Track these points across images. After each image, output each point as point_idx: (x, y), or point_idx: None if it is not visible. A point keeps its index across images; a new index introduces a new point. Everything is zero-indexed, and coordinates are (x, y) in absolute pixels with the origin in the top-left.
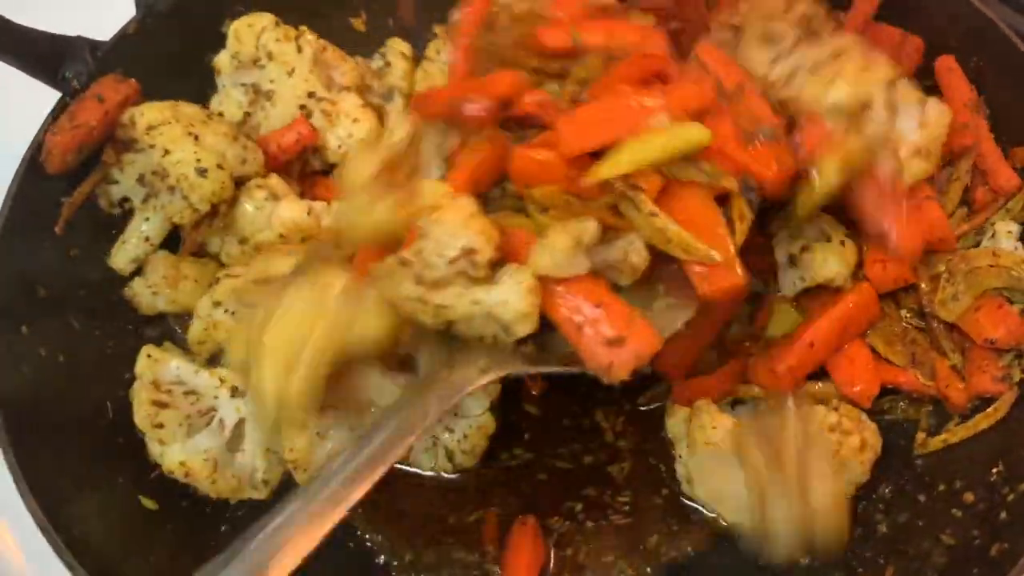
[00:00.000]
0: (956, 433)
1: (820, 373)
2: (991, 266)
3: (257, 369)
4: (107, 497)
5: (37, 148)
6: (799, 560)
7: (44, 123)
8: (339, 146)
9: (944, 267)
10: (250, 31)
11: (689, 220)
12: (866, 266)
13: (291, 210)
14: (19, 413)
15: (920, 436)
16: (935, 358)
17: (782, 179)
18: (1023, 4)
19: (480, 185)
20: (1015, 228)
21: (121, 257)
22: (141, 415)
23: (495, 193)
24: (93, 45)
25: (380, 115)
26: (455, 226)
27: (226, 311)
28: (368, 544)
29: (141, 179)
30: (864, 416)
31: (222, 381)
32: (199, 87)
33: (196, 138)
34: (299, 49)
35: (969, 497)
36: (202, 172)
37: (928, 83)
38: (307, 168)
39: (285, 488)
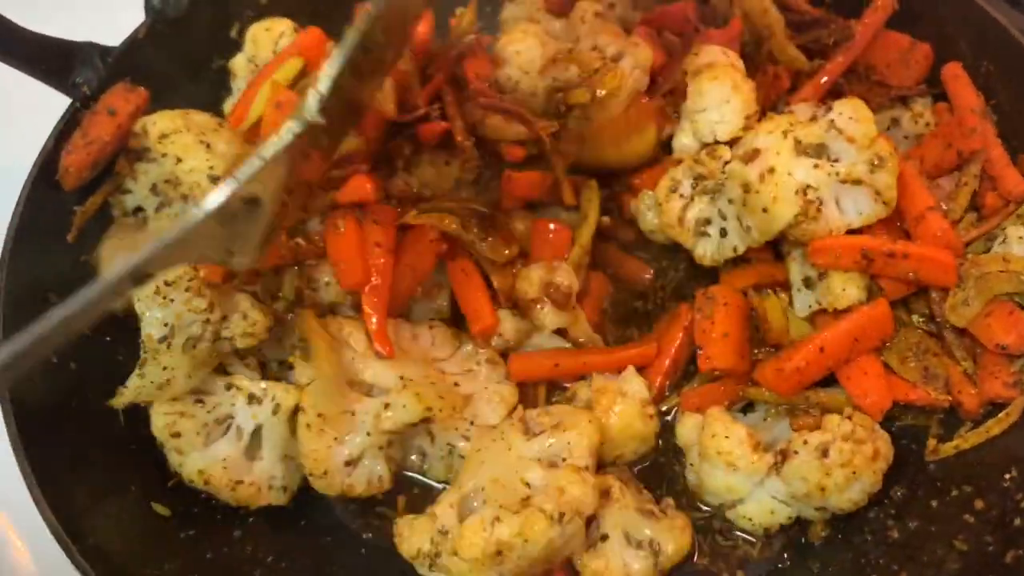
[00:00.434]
0: (968, 439)
1: (833, 383)
2: (1001, 271)
3: None
4: (120, 505)
5: (48, 155)
6: (810, 568)
7: (55, 129)
8: None
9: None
10: (267, 35)
11: None
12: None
13: None
14: (31, 421)
15: (931, 443)
16: (949, 366)
17: None
18: None
19: None
20: None
21: None
22: (159, 425)
23: None
24: (103, 51)
25: None
26: None
27: None
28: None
29: (154, 188)
30: (877, 426)
31: (238, 388)
32: (209, 91)
33: (208, 146)
34: None
35: (981, 503)
36: (215, 180)
37: (936, 90)
38: None
39: (304, 493)
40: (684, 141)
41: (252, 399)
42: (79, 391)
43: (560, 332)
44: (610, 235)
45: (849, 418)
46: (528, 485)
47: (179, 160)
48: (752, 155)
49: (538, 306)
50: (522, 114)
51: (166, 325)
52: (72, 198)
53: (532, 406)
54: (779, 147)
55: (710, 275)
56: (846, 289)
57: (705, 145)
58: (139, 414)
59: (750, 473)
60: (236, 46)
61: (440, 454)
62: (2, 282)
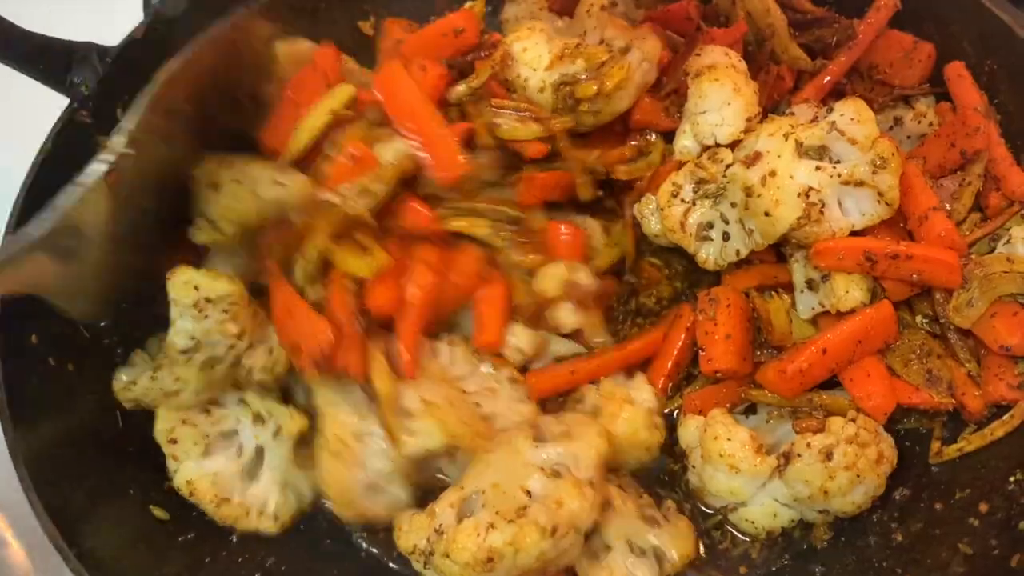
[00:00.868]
0: (972, 441)
1: (836, 386)
2: (1005, 272)
3: None
4: (118, 508)
5: (46, 156)
6: (812, 571)
7: (53, 130)
8: None
9: None
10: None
11: None
12: None
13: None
14: (29, 422)
15: (935, 445)
16: (952, 368)
17: None
18: None
19: None
20: None
21: None
22: (159, 428)
23: None
24: (101, 50)
25: None
26: None
27: None
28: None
29: None
30: (880, 428)
31: (247, 405)
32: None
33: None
34: None
35: (986, 506)
36: None
37: (939, 89)
38: None
39: (297, 527)
40: (685, 143)
41: (257, 418)
42: (77, 393)
43: (574, 335)
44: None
45: (853, 421)
46: (528, 494)
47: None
48: (753, 158)
49: (558, 306)
50: (535, 112)
51: (192, 339)
52: None
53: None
54: (780, 150)
55: (712, 276)
56: (849, 291)
57: (706, 147)
58: (138, 417)
59: (753, 476)
60: None
61: (459, 475)
62: None
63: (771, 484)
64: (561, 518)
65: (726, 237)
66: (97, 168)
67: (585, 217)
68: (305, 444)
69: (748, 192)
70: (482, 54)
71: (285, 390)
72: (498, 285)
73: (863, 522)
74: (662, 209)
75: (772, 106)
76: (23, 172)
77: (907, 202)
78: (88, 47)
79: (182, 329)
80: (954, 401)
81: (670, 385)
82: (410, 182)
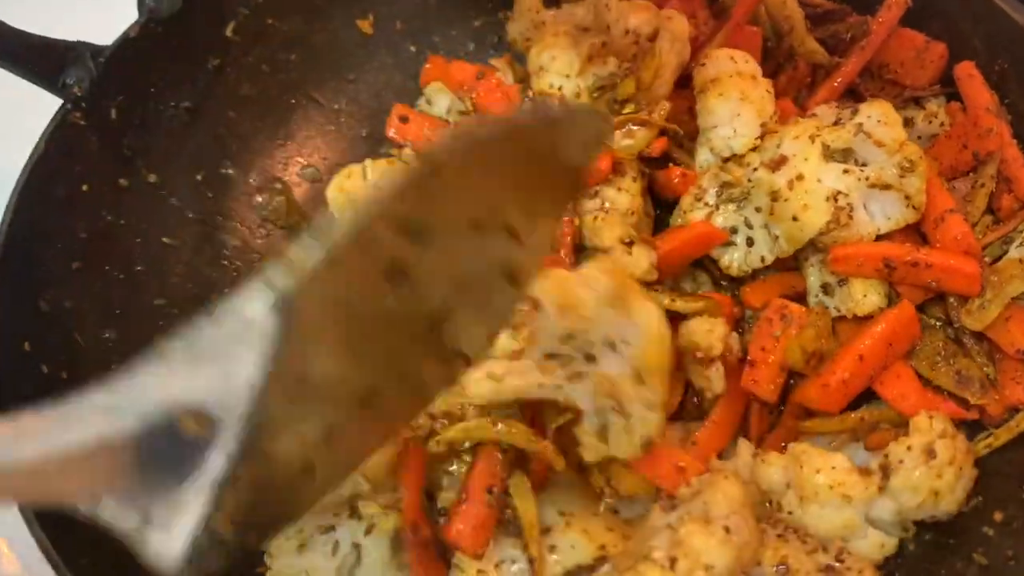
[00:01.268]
0: (999, 436)
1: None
2: (1016, 274)
3: None
4: None
5: (38, 159)
6: None
7: (45, 132)
8: None
9: None
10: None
11: None
12: None
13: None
14: None
15: None
16: (984, 366)
17: None
18: None
19: None
20: None
21: None
22: None
23: None
24: (95, 50)
25: None
26: None
27: None
28: None
29: None
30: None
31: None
32: (202, 94)
33: None
34: None
35: (1000, 515)
36: None
37: (950, 89)
38: None
39: None
40: (704, 157)
41: (354, 513)
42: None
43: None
44: None
45: (931, 417)
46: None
47: None
48: (779, 162)
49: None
50: (633, 119)
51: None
52: (60, 201)
53: None
54: (807, 153)
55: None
56: (867, 295)
57: (726, 160)
58: None
59: (864, 500)
60: (231, 45)
61: None
62: None
63: (874, 508)
64: (680, 551)
65: (750, 243)
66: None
67: None
68: (403, 544)
69: (774, 197)
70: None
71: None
72: None
73: None
74: (685, 212)
75: (793, 98)
76: (15, 175)
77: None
78: (82, 47)
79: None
80: (977, 415)
81: None
82: None
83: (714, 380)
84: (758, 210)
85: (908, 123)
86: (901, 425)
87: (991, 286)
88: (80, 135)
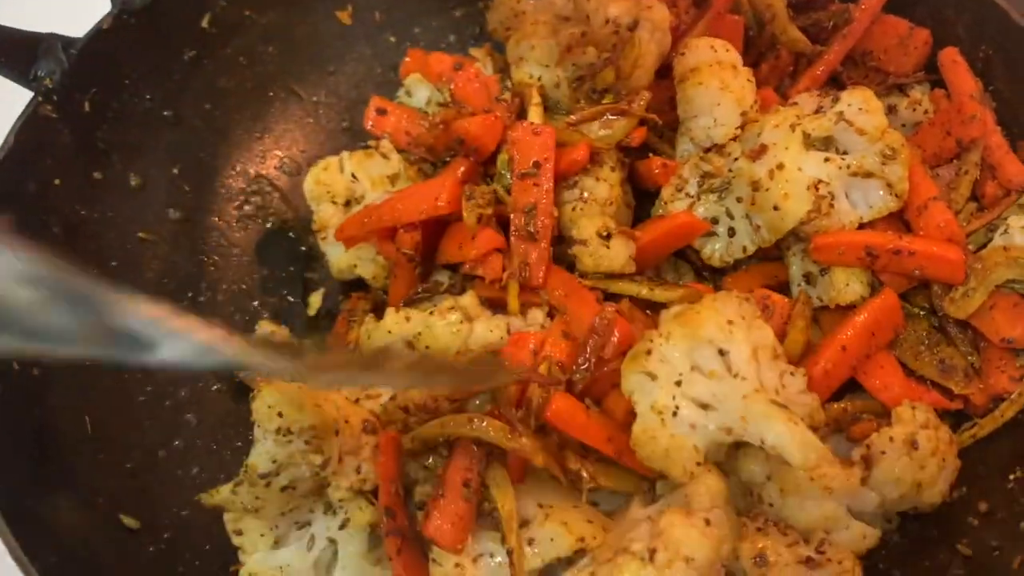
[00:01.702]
0: (984, 426)
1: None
2: (1000, 260)
3: None
4: (87, 518)
5: (8, 152)
6: None
7: (15, 125)
8: None
9: None
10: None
11: None
12: None
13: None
14: None
15: None
16: (966, 355)
17: None
18: None
19: None
20: None
21: None
22: (227, 516)
23: None
24: (67, 42)
25: None
26: None
27: None
28: None
29: None
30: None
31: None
32: (178, 87)
33: None
34: None
35: (985, 505)
36: None
37: (934, 76)
38: None
39: None
40: (685, 147)
41: (328, 508)
42: (42, 398)
43: None
44: None
45: (914, 407)
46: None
47: None
48: (759, 151)
49: None
50: (612, 108)
51: (274, 463)
52: (33, 194)
53: None
54: (788, 142)
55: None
56: (849, 284)
57: (706, 150)
58: (105, 420)
59: (846, 491)
60: (207, 37)
61: None
62: None
63: (856, 499)
64: (660, 543)
65: (732, 233)
66: None
67: None
68: (380, 539)
69: (755, 186)
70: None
71: None
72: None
73: None
74: (666, 203)
75: (775, 86)
76: None
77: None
78: (53, 38)
79: (262, 451)
80: (962, 405)
81: None
82: None
83: None
84: (739, 200)
85: (892, 110)
86: (884, 415)
87: (975, 274)
88: (52, 128)
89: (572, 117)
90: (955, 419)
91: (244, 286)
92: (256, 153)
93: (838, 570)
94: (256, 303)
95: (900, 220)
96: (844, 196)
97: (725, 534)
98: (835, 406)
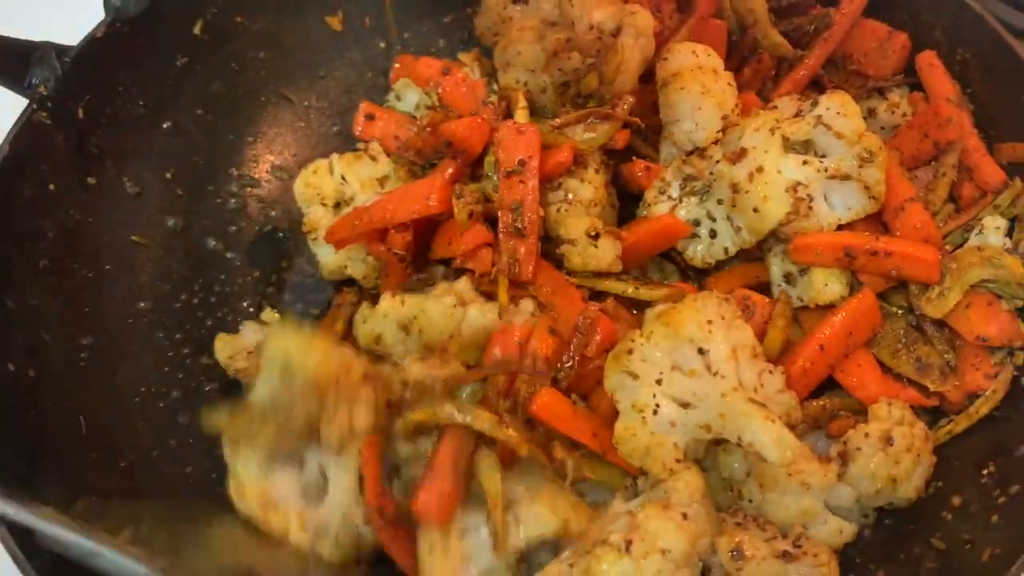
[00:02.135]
0: (959, 423)
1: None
2: (974, 261)
3: None
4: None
5: (3, 159)
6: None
7: (10, 133)
8: None
9: None
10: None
11: None
12: None
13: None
14: None
15: None
16: (942, 353)
17: None
18: None
19: None
20: (1003, 224)
21: None
22: (224, 440)
23: None
24: (61, 50)
25: None
26: None
27: None
28: None
29: None
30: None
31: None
32: (171, 92)
33: None
34: None
35: (958, 500)
36: None
37: (912, 79)
38: None
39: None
40: (668, 151)
41: (319, 441)
42: (38, 399)
43: None
44: None
45: (890, 404)
46: (611, 534)
47: None
48: (739, 154)
49: None
50: (596, 113)
51: (272, 400)
52: (26, 197)
53: None
54: (767, 145)
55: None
56: (828, 285)
57: (688, 153)
58: (102, 418)
59: (823, 488)
60: (200, 43)
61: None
62: None
63: (835, 493)
64: (637, 535)
65: (713, 235)
66: None
67: None
68: None
69: (735, 189)
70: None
71: None
72: None
73: None
74: (650, 206)
75: (757, 90)
76: None
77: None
78: (47, 47)
79: (265, 388)
80: (937, 401)
81: None
82: None
83: None
84: (720, 202)
85: (871, 113)
86: (862, 413)
87: (950, 274)
88: (46, 135)
89: (557, 120)
90: (932, 416)
91: (236, 288)
92: (248, 157)
93: (814, 563)
94: (247, 304)
95: (878, 221)
96: (823, 198)
97: (703, 528)
98: (814, 403)
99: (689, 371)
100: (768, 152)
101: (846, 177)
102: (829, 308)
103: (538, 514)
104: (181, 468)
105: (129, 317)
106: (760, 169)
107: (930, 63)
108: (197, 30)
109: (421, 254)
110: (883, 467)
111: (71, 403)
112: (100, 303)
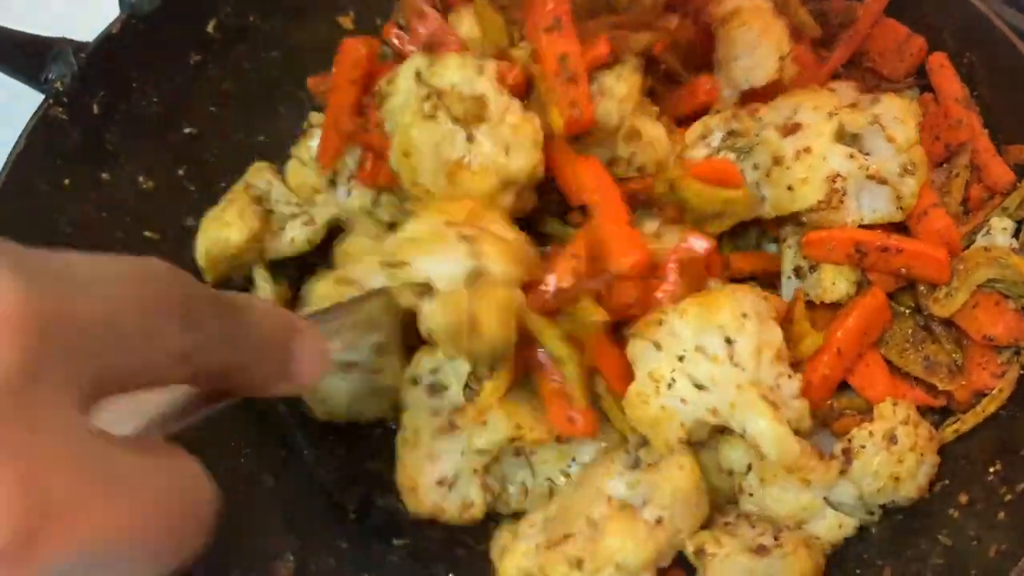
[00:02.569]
0: (966, 421)
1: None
2: (981, 260)
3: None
4: None
5: (19, 155)
6: None
7: (27, 127)
8: None
9: None
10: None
11: None
12: None
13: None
14: None
15: None
16: (950, 352)
17: None
18: None
19: None
20: (1010, 225)
21: None
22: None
23: None
24: (77, 46)
25: None
26: None
27: None
28: None
29: None
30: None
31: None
32: (184, 90)
33: None
34: None
35: (965, 497)
36: None
37: (923, 81)
38: None
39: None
40: (724, 93)
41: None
42: None
43: None
44: None
45: (896, 403)
46: (588, 523)
47: None
48: (792, 128)
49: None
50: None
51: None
52: (42, 196)
53: None
54: (822, 128)
55: None
56: (836, 283)
57: (743, 93)
58: None
59: (824, 485)
60: (213, 42)
61: (541, 491)
62: None
63: (836, 490)
64: (591, 552)
65: None
66: None
67: None
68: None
69: (776, 161)
70: None
71: None
72: None
73: None
74: (687, 146)
75: None
76: None
77: None
78: (63, 43)
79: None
80: (944, 402)
81: None
82: None
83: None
84: (756, 167)
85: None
86: (869, 412)
87: (957, 274)
88: (62, 130)
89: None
90: (939, 415)
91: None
92: (261, 155)
93: (790, 559)
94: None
95: (891, 226)
96: (854, 195)
97: (678, 528)
98: (823, 404)
99: (712, 356)
100: (821, 136)
101: (883, 181)
102: (833, 307)
103: (499, 419)
104: None
105: None
106: (808, 150)
107: (940, 64)
108: (211, 29)
109: None
110: (886, 465)
111: None
112: None
